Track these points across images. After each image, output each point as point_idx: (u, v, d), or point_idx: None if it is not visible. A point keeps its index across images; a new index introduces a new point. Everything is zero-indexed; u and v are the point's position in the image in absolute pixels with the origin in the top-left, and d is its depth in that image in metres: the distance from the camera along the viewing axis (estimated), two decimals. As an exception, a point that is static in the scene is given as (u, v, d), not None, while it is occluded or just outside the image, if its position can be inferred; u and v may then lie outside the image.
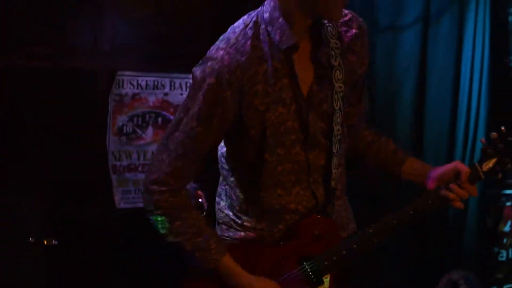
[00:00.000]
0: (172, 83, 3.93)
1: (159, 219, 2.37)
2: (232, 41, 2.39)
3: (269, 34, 2.38)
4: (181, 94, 3.97)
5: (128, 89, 3.82)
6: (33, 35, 3.61)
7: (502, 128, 2.59)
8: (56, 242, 3.51)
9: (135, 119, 3.95)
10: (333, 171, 2.55)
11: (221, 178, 2.62)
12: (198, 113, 2.34)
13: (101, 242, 3.88)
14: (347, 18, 2.56)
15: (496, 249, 5.06)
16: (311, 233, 2.54)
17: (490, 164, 2.56)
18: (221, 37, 2.43)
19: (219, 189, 2.62)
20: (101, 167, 3.90)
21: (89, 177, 3.87)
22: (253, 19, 2.43)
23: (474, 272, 4.82)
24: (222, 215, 2.60)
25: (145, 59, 3.90)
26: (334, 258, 2.52)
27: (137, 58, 3.87)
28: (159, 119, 4.00)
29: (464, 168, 2.51)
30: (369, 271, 4.72)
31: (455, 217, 4.93)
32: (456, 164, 2.56)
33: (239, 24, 2.45)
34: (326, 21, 2.48)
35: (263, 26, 2.39)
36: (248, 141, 2.44)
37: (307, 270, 2.52)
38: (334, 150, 2.54)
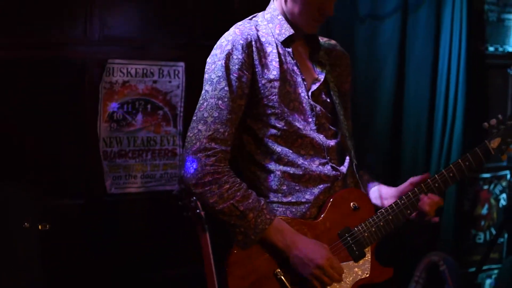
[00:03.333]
0: (161, 71, 3.96)
1: (206, 188, 2.41)
2: (239, 25, 2.58)
3: (270, 30, 2.57)
4: (169, 82, 4.01)
5: (118, 77, 3.84)
6: (23, 26, 3.62)
7: (499, 116, 2.79)
8: (49, 227, 3.51)
9: (125, 106, 3.94)
10: (349, 149, 2.69)
11: (244, 172, 2.69)
12: (222, 76, 2.45)
13: (92, 227, 3.90)
14: (332, 42, 2.80)
15: (473, 232, 5.16)
16: (348, 205, 2.62)
17: (496, 143, 2.73)
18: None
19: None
20: (92, 154, 3.91)
21: (80, 163, 3.87)
22: (255, 17, 2.65)
23: (452, 255, 4.90)
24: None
25: (134, 48, 3.92)
26: (373, 229, 2.60)
27: (127, 47, 3.88)
28: (148, 106, 3.99)
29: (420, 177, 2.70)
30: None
31: None
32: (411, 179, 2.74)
33: (242, 21, 2.65)
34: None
35: (265, 23, 2.59)
36: (263, 111, 2.55)
37: (349, 242, 2.59)
38: (344, 133, 2.71)
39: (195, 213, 3.22)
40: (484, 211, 5.25)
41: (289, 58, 2.59)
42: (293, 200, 2.58)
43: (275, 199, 2.59)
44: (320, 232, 2.56)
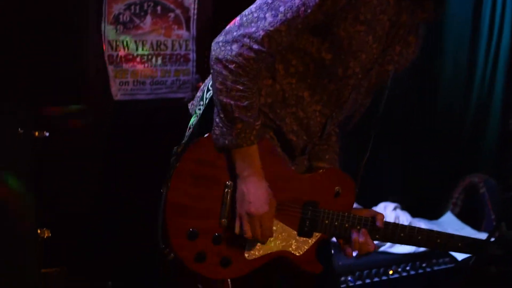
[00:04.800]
0: (171, -32, 3.75)
1: (224, 72, 2.24)
2: None
3: None
4: (182, -20, 3.79)
5: (123, -25, 3.64)
6: None
7: None
8: (47, 134, 3.42)
9: (132, 7, 3.78)
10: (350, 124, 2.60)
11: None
12: None
13: (96, 133, 3.82)
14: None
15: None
16: (333, 186, 2.51)
17: None
18: None
19: None
20: (97, 58, 3.80)
21: (84, 68, 3.78)
22: None
23: (493, 177, 4.69)
24: None
25: None
26: (336, 223, 2.49)
27: None
28: (158, 8, 3.84)
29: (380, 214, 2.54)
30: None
31: (475, 119, 4.90)
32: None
33: None
34: None
35: None
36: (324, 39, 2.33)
37: (307, 215, 2.48)
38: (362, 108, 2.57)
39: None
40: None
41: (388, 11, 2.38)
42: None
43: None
44: (290, 186, 2.46)
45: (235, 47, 2.22)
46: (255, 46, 2.21)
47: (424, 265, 4.30)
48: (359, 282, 4.14)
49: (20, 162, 3.30)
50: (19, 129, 3.30)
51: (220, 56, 2.24)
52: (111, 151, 3.89)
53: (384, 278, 4.20)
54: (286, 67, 2.39)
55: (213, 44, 2.29)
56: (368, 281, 4.16)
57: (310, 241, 2.49)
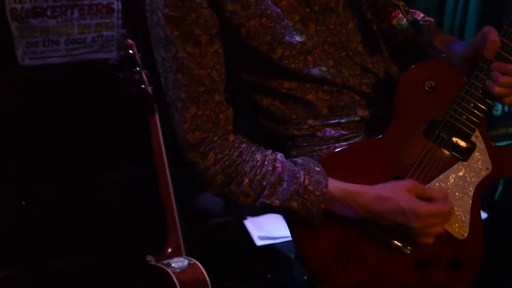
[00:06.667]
0: None
1: (225, 189, 2.03)
2: None
3: None
4: None
5: None
6: None
7: None
8: None
9: None
10: None
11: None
12: (174, 42, 1.99)
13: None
14: None
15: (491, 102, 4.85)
16: (422, 88, 2.11)
17: None
18: None
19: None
20: None
21: None
22: None
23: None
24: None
25: None
26: (471, 105, 2.10)
27: None
28: None
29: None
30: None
31: None
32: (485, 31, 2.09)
33: None
34: None
35: None
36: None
37: (444, 138, 2.11)
38: None
39: (140, 88, 3.32)
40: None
41: None
42: (343, 121, 2.15)
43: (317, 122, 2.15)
44: (397, 146, 2.08)
45: (198, 174, 2.05)
46: (200, 149, 2.02)
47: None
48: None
49: None
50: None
51: (208, 190, 2.05)
52: (18, 130, 3.63)
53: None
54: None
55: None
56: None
57: (480, 146, 2.13)
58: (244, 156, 2.03)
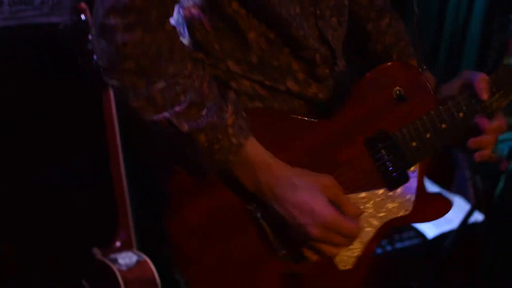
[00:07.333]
0: None
1: (128, 80, 1.73)
2: None
3: None
4: None
5: None
6: None
7: None
8: None
9: None
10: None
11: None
12: None
13: None
14: None
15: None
16: (390, 91, 2.00)
17: None
18: None
19: None
20: None
21: None
22: None
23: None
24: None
25: None
26: (428, 135, 1.99)
27: None
28: None
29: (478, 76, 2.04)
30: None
31: (450, 52, 4.76)
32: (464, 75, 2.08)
33: None
34: None
35: None
36: None
37: (383, 156, 1.97)
38: None
39: (93, 60, 3.17)
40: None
41: None
42: (266, 83, 1.94)
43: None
44: (333, 138, 1.93)
45: (105, 41, 1.71)
46: (130, 17, 1.69)
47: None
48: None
49: None
50: None
51: (104, 66, 1.73)
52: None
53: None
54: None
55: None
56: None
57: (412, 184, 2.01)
58: (173, 55, 1.74)
